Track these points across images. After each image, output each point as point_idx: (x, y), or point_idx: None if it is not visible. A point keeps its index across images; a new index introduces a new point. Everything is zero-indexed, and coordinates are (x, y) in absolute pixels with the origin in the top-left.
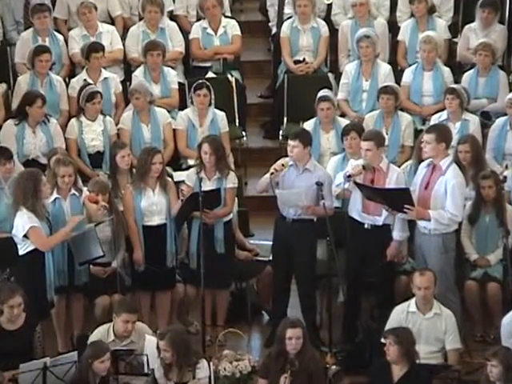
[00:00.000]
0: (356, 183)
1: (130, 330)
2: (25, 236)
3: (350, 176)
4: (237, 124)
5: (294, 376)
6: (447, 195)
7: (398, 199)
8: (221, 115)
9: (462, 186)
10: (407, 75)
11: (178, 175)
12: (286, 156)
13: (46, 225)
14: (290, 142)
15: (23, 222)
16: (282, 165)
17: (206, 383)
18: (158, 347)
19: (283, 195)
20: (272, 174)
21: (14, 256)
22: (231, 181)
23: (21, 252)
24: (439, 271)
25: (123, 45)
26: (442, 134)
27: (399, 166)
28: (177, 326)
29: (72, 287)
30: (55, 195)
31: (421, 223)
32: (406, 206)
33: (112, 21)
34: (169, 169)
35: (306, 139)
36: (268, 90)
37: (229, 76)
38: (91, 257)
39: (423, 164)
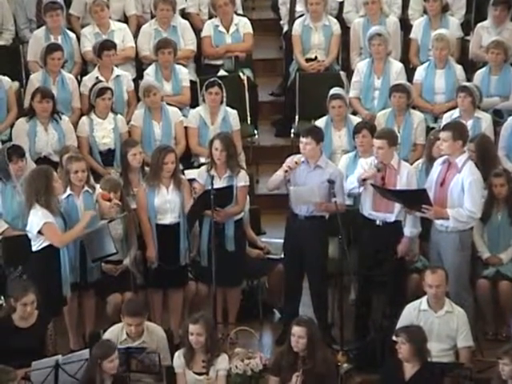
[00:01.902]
0: (373, 185)
1: (134, 332)
2: (39, 232)
3: (364, 180)
4: (248, 122)
5: (305, 375)
6: (464, 193)
7: (415, 200)
8: (232, 113)
9: (480, 183)
10: (419, 73)
11: (189, 173)
12: (298, 153)
13: (60, 220)
14: (303, 139)
15: (38, 219)
16: (296, 162)
17: (225, 375)
18: (182, 335)
19: (297, 192)
20: (286, 171)
21: (26, 254)
22: (243, 179)
23: (34, 248)
24: (455, 269)
25: (135, 43)
26: (459, 131)
27: (411, 164)
28: (204, 312)
29: (84, 284)
30: (68, 192)
31: (438, 221)
32: (423, 206)
33: (126, 19)
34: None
35: (318, 136)
36: (279, 88)
37: (240, 74)
38: (104, 254)
39: (438, 161)
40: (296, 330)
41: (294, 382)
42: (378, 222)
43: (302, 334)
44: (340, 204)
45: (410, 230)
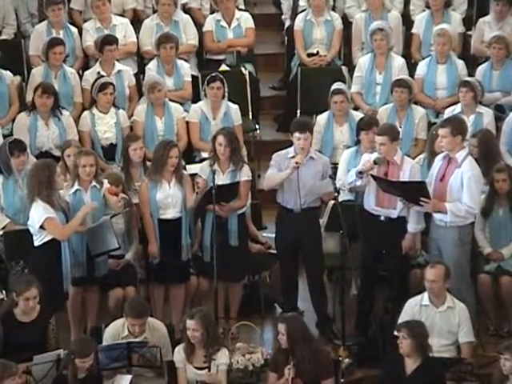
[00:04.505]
0: (372, 176)
1: (138, 331)
2: (41, 227)
3: (361, 172)
4: (250, 117)
5: (296, 368)
6: (463, 187)
7: (414, 192)
8: (234, 108)
9: (479, 178)
10: (421, 68)
11: (191, 168)
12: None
13: (62, 215)
14: (301, 135)
15: (39, 213)
16: (301, 158)
17: (225, 370)
18: (183, 329)
19: (316, 185)
20: (298, 167)
21: (28, 248)
22: (245, 174)
23: (36, 243)
24: (455, 264)
25: (137, 37)
26: (457, 126)
27: (412, 159)
28: (203, 308)
29: (90, 279)
30: (76, 187)
31: (437, 216)
32: (422, 198)
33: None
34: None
35: (312, 128)
36: (280, 82)
37: (242, 69)
38: (107, 249)
39: (439, 156)
40: (279, 326)
41: (286, 376)
42: (382, 218)
43: (282, 331)
44: (329, 192)
45: (413, 226)
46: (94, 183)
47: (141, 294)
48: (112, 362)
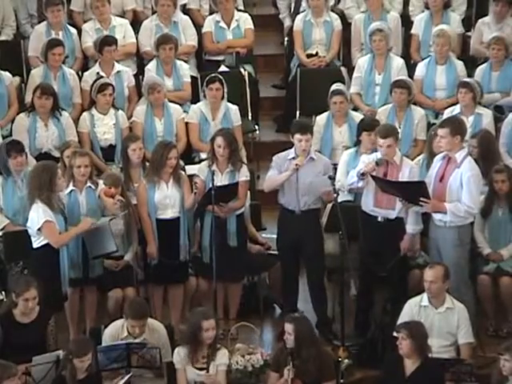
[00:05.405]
0: (372, 176)
1: (138, 332)
2: (39, 229)
3: (363, 174)
4: (249, 118)
5: (297, 369)
6: (463, 188)
7: (413, 192)
8: (233, 109)
9: (478, 178)
10: (420, 69)
11: (190, 168)
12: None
13: (61, 217)
14: (303, 137)
15: (38, 216)
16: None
17: (225, 370)
18: (191, 329)
19: (313, 184)
20: (297, 169)
21: (27, 249)
22: (244, 174)
23: (35, 245)
24: (454, 264)
25: (136, 38)
26: (456, 126)
27: (412, 160)
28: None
29: (86, 280)
30: (71, 187)
31: (436, 216)
32: (421, 198)
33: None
34: (181, 162)
35: (312, 130)
36: (281, 81)
37: (241, 70)
38: (104, 251)
39: (438, 156)
40: (286, 326)
41: (286, 376)
42: (379, 219)
43: (290, 331)
44: (331, 192)
45: (412, 227)
46: (88, 184)
47: (140, 295)
48: (111, 363)
